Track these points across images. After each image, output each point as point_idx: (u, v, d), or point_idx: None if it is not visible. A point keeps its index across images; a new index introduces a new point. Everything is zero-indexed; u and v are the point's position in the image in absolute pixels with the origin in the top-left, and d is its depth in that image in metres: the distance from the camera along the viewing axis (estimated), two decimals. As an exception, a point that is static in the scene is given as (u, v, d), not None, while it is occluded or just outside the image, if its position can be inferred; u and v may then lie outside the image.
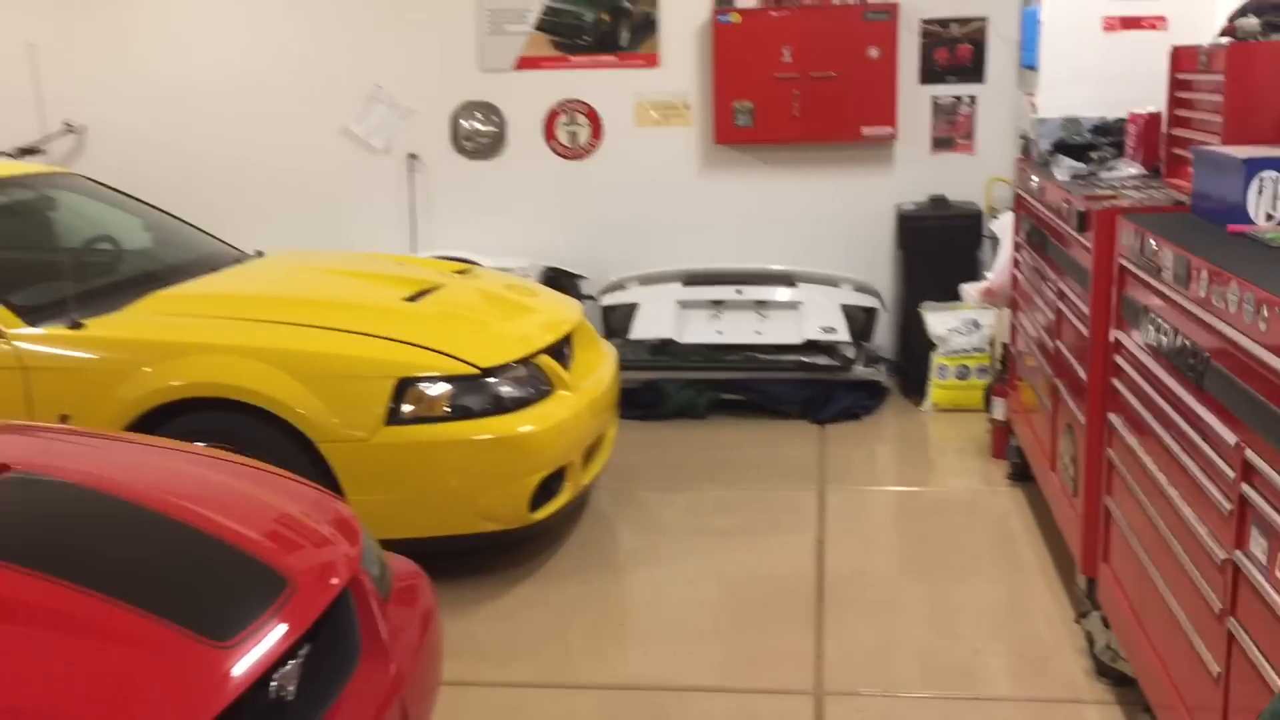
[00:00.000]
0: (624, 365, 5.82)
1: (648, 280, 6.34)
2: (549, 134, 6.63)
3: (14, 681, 1.81)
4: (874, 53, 6.22)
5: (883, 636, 3.75)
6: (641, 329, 6.11)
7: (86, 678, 1.85)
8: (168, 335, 4.02)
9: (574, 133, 6.62)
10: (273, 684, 2.06)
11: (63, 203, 5.01)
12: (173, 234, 5.12)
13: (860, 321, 6.19)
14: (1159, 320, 2.82)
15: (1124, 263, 3.18)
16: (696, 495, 5.04)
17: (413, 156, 6.70)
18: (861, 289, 6.32)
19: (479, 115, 6.65)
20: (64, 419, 3.82)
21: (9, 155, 6.50)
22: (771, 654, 3.66)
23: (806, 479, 5.16)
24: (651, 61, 6.51)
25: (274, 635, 2.08)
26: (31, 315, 4.04)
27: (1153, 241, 2.88)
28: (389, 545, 2.87)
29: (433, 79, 6.61)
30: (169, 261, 4.78)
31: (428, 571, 2.85)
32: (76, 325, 4.00)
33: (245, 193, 6.77)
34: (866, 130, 6.29)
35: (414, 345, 4.02)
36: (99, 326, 4.03)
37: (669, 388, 6.07)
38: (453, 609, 3.92)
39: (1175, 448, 2.66)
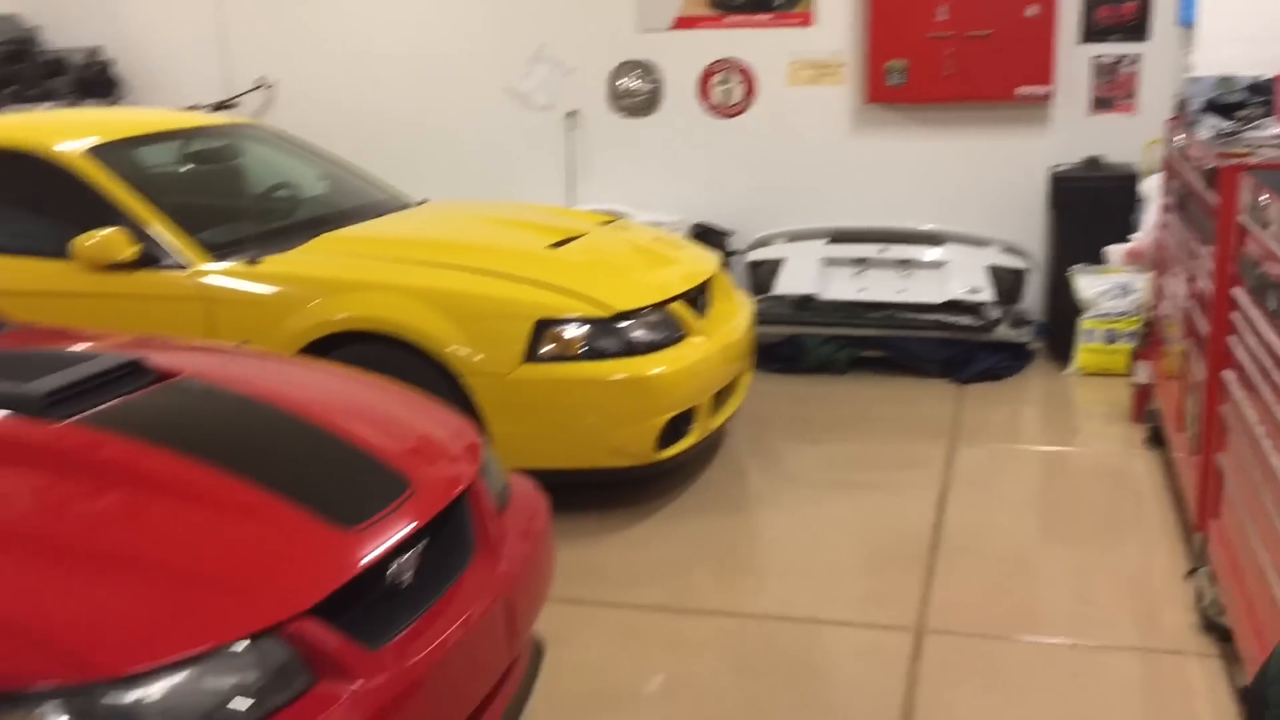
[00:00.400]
0: (766, 320, 6.00)
1: (794, 237, 6.45)
2: (703, 92, 6.80)
3: (175, 545, 2.13)
4: (1032, 11, 6.14)
5: (993, 584, 3.84)
6: (785, 284, 6.24)
7: (234, 546, 2.17)
8: (333, 273, 4.38)
9: (727, 91, 6.76)
10: (391, 570, 2.35)
11: (249, 151, 5.46)
12: (345, 181, 5.52)
13: (1008, 283, 6.17)
14: (1265, 273, 2.83)
15: (1243, 219, 3.17)
16: (828, 447, 5.17)
17: (572, 114, 6.97)
18: (1011, 250, 6.29)
19: (636, 74, 6.86)
20: (244, 344, 4.22)
21: (205, 109, 7.06)
22: (879, 593, 3.80)
23: (940, 436, 5.23)
24: (806, 20, 6.58)
25: (395, 527, 2.37)
26: (217, 252, 4.46)
27: (1265, 196, 2.87)
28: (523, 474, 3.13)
29: (593, 39, 6.85)
30: (340, 206, 5.17)
31: (558, 502, 3.08)
32: (255, 261, 4.41)
33: (417, 145, 7.17)
34: (1021, 90, 6.23)
35: (553, 288, 4.28)
36: (274, 263, 4.43)
37: (809, 343, 6.19)
38: (579, 537, 4.20)
39: (1271, 399, 2.68)
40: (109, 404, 2.51)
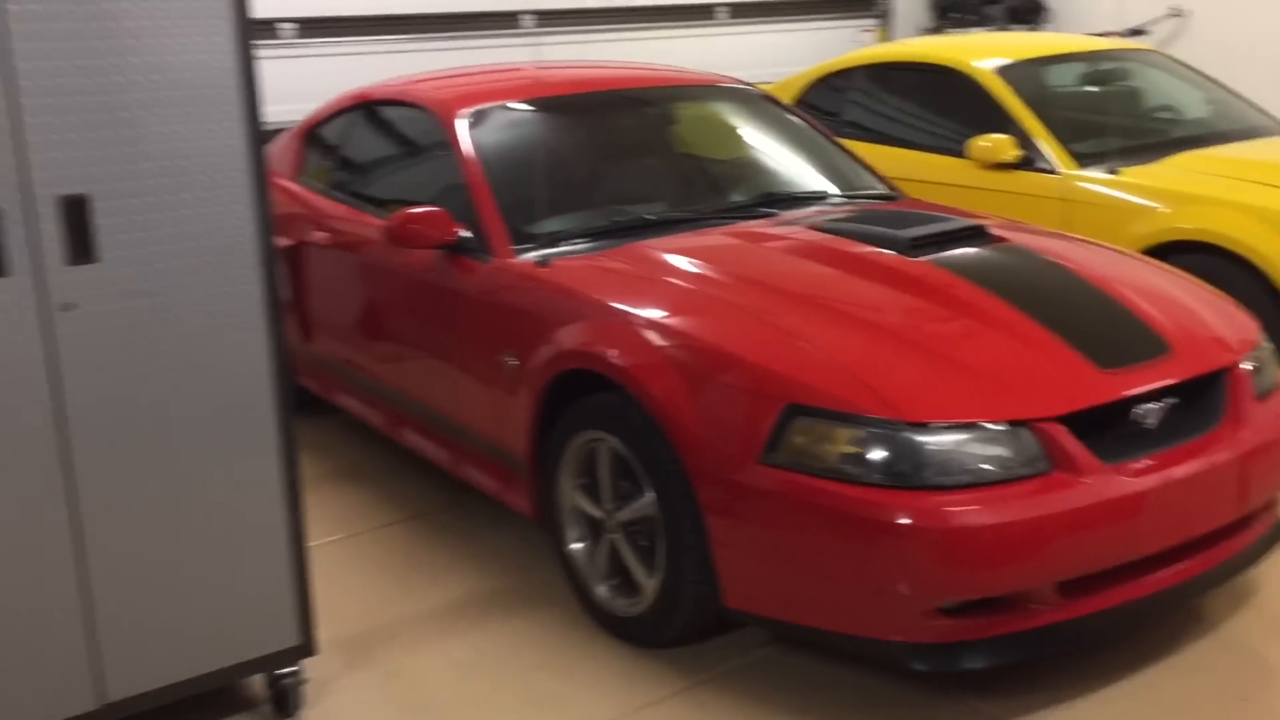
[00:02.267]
0: None
1: None
2: None
3: (979, 354, 2.96)
4: None
5: None
6: None
7: (1016, 363, 2.95)
8: (1183, 187, 4.78)
9: None
10: (1137, 411, 2.93)
11: (1141, 75, 5.96)
12: (1227, 108, 5.77)
13: None
14: None
15: None
16: None
17: None
18: None
19: None
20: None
21: (1118, 34, 7.62)
22: None
23: None
24: None
25: (1145, 378, 2.96)
26: (1083, 160, 5.13)
27: None
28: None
29: None
30: (1212, 129, 5.48)
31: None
32: (1113, 171, 5.00)
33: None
34: None
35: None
36: (1132, 174, 4.97)
37: None
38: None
39: None
40: (951, 252, 3.42)
